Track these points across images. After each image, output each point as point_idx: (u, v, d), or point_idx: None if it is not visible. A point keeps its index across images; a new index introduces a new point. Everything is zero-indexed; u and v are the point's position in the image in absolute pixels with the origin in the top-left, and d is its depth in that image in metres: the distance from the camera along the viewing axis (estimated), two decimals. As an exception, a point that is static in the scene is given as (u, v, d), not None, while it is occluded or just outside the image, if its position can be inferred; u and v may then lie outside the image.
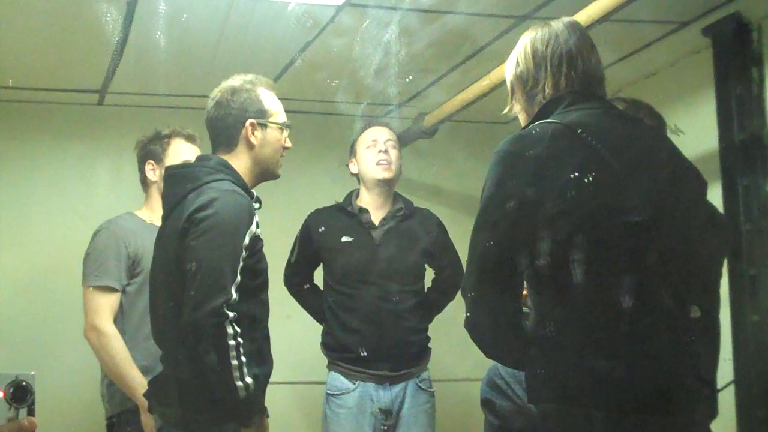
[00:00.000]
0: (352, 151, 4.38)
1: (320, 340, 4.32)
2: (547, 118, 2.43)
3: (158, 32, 4.07)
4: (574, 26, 2.61)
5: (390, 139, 4.28)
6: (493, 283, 2.37)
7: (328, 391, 4.19)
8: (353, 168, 4.35)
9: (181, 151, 3.91)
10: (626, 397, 2.23)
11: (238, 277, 2.87)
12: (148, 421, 3.47)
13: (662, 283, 2.25)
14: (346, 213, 4.27)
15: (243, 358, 2.83)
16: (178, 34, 4.11)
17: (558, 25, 2.59)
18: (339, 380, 4.15)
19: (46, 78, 4.89)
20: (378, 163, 4.21)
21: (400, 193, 4.41)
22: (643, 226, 2.25)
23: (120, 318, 3.74)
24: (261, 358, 3.03)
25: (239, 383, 2.83)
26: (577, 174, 2.27)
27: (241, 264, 2.90)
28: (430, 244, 4.32)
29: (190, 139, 3.95)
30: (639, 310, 2.23)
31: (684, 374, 2.29)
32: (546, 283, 2.32)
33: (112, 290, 3.74)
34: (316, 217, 4.35)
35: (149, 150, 3.97)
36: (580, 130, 2.34)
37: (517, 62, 2.61)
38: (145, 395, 3.17)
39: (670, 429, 2.27)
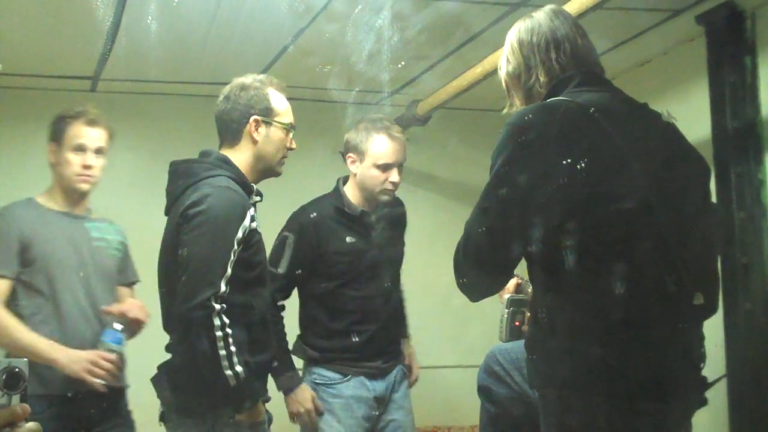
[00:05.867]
0: (357, 150, 4.12)
1: (295, 346, 4.20)
2: (557, 97, 2.44)
3: (150, 18, 4.06)
4: (556, 12, 2.63)
5: (402, 163, 4.12)
6: (490, 263, 2.40)
7: (319, 382, 4.12)
8: (354, 168, 4.13)
9: (78, 135, 3.68)
10: (629, 384, 2.25)
11: (229, 270, 2.96)
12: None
13: (666, 268, 2.27)
14: (344, 214, 4.13)
15: (232, 348, 2.92)
16: (171, 19, 4.10)
17: (539, 14, 2.62)
18: (331, 373, 4.13)
19: (37, 64, 4.87)
20: (385, 189, 4.09)
21: None
22: (648, 210, 2.26)
23: (12, 306, 3.60)
24: (258, 346, 3.12)
25: (228, 372, 2.91)
26: (586, 154, 2.28)
27: (233, 257, 2.98)
28: (404, 234, 4.32)
29: (91, 122, 3.71)
30: (644, 295, 2.26)
31: (685, 362, 2.33)
32: (554, 266, 2.32)
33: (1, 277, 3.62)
34: (311, 216, 4.15)
35: (52, 130, 3.76)
36: (592, 110, 2.35)
37: (508, 60, 2.64)
38: (152, 380, 3.21)
39: (671, 416, 2.30)
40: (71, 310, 3.63)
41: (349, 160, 4.15)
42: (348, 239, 4.10)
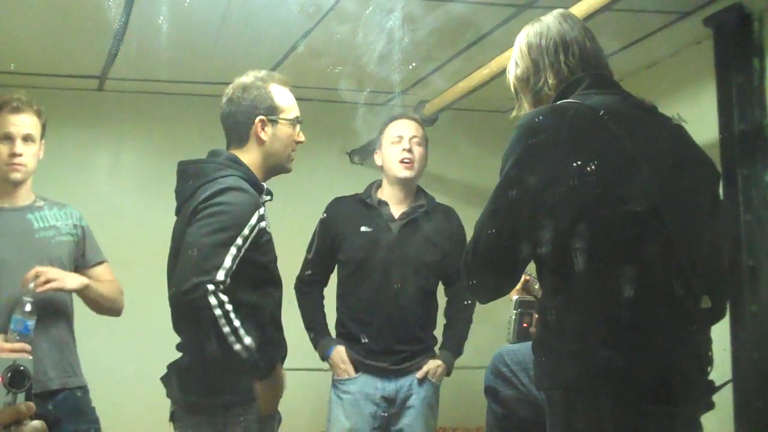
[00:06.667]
0: (378, 143, 4.35)
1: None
2: (567, 99, 2.44)
3: (160, 17, 4.06)
4: (565, 16, 2.64)
5: (415, 136, 4.24)
6: (499, 265, 2.40)
7: (335, 376, 4.23)
8: (378, 160, 4.33)
9: (4, 124, 3.62)
10: (636, 386, 2.25)
11: (230, 263, 2.92)
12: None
13: (674, 271, 2.26)
14: (365, 204, 4.27)
15: (236, 323, 2.89)
16: (180, 19, 4.10)
17: (548, 18, 2.63)
18: (338, 353, 4.19)
19: (46, 63, 4.88)
20: (401, 161, 4.19)
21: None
22: (657, 213, 2.26)
23: None
24: (270, 346, 3.11)
25: (237, 347, 2.89)
26: (596, 156, 2.28)
27: (238, 253, 2.95)
28: (449, 241, 4.30)
29: (15, 110, 3.65)
30: (652, 298, 2.26)
31: (692, 365, 2.33)
32: (563, 268, 2.32)
33: None
34: (335, 205, 4.35)
35: None
36: (602, 112, 2.35)
37: (517, 64, 2.65)
38: (162, 379, 3.21)
39: (678, 419, 2.30)
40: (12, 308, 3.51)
41: (376, 157, 4.37)
42: (363, 228, 4.22)
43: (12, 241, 3.63)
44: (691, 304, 2.28)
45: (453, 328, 4.40)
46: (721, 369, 2.51)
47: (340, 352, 4.18)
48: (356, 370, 4.17)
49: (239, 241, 2.96)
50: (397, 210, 4.25)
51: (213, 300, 2.85)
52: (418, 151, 4.22)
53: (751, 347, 3.79)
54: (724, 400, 3.23)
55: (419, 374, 4.20)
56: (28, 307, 3.43)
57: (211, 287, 2.85)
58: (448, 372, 4.30)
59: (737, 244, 3.79)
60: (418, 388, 4.20)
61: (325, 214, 4.34)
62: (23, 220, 3.69)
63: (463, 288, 4.31)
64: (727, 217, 2.69)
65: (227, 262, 2.92)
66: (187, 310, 2.90)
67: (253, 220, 3.01)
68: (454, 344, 4.36)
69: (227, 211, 2.97)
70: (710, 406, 2.42)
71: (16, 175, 3.64)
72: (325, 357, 4.23)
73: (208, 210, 2.97)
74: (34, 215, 3.71)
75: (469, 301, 4.38)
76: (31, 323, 3.43)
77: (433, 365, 4.23)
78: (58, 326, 3.68)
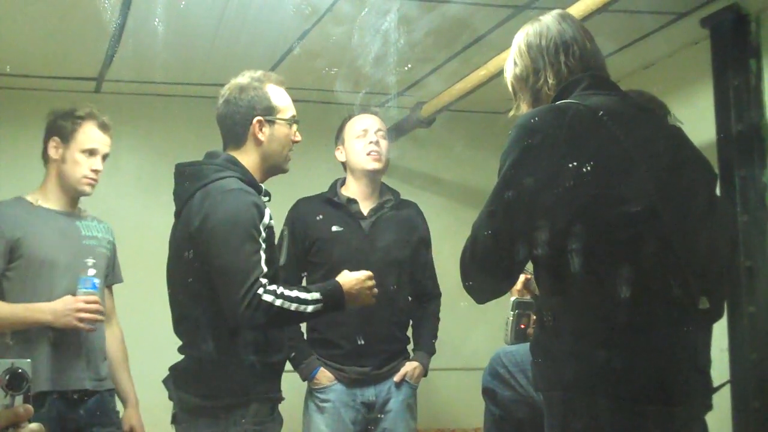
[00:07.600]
0: (339, 139, 4.35)
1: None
2: (566, 100, 2.44)
3: (156, 19, 4.06)
4: (564, 16, 2.65)
5: (380, 129, 4.26)
6: (496, 266, 2.40)
7: (312, 386, 4.18)
8: (340, 156, 4.32)
9: (92, 138, 3.76)
10: (633, 387, 2.25)
11: (266, 267, 2.98)
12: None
13: (672, 272, 2.27)
14: (333, 203, 4.24)
15: (293, 294, 2.97)
16: (177, 21, 4.10)
17: (547, 17, 2.63)
18: (323, 374, 4.15)
19: (43, 65, 4.87)
20: (368, 154, 4.18)
21: (388, 183, 4.39)
22: (654, 214, 2.26)
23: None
24: (274, 347, 3.16)
25: (309, 308, 2.99)
26: (594, 157, 2.28)
27: (264, 256, 2.99)
28: (417, 237, 4.30)
29: (103, 127, 3.80)
30: (649, 299, 2.26)
31: (690, 365, 2.33)
32: (560, 269, 2.31)
33: None
34: (302, 207, 4.31)
35: (58, 126, 3.79)
36: (601, 113, 2.35)
37: (515, 63, 2.64)
38: (164, 381, 3.21)
39: (676, 420, 2.30)
40: None
41: (337, 153, 4.36)
42: (334, 228, 4.18)
43: (65, 244, 3.74)
44: (688, 304, 2.28)
45: (424, 327, 4.39)
46: (719, 370, 2.51)
47: (324, 373, 4.13)
48: (335, 379, 4.15)
49: (262, 243, 2.99)
50: (365, 207, 4.24)
51: (269, 298, 2.91)
52: (383, 144, 4.23)
53: (748, 348, 3.79)
54: (722, 400, 3.23)
55: (397, 377, 4.19)
56: (92, 270, 3.64)
57: (260, 291, 2.91)
58: (424, 372, 4.30)
59: (735, 245, 3.79)
60: (396, 391, 4.19)
61: (291, 218, 4.29)
62: (74, 225, 3.82)
63: (430, 291, 4.36)
64: (725, 217, 2.68)
65: (264, 267, 2.96)
66: (259, 324, 2.97)
67: (266, 219, 3.04)
68: (428, 343, 4.36)
69: (241, 221, 2.99)
70: (708, 406, 2.43)
71: (89, 189, 3.80)
72: (308, 378, 4.16)
73: (222, 226, 2.99)
74: (81, 223, 3.85)
75: (436, 298, 4.39)
76: (98, 281, 3.64)
77: (410, 367, 4.22)
78: (97, 332, 3.77)
